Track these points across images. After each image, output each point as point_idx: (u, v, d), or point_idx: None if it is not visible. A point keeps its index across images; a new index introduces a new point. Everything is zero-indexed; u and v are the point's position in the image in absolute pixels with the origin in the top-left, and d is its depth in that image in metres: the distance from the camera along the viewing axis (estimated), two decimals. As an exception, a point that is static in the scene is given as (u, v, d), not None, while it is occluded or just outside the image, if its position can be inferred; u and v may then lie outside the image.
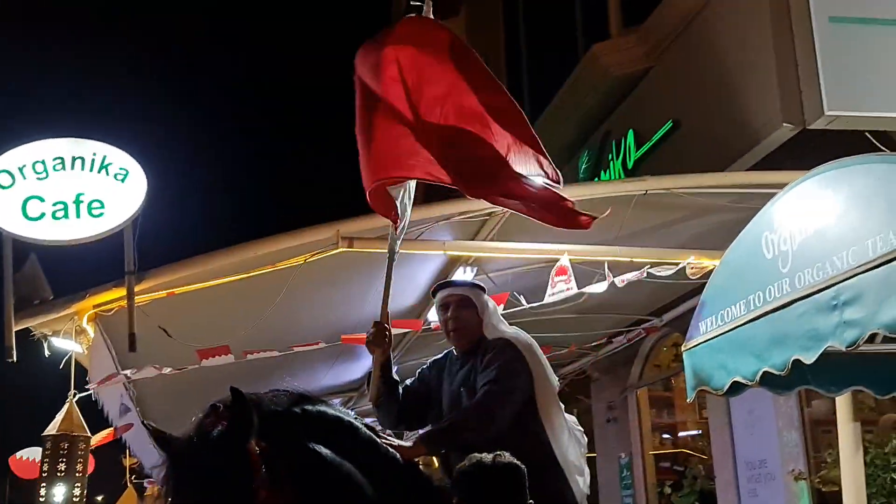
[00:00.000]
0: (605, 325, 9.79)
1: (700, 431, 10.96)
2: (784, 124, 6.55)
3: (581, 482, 3.82)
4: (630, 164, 9.27)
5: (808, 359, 4.14)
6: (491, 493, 2.94)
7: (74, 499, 5.70)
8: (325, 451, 2.91)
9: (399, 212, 4.21)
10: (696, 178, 6.34)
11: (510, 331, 4.06)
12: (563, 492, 3.66)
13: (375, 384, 3.97)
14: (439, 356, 4.19)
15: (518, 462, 3.03)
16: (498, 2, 15.09)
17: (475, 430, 3.57)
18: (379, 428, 3.51)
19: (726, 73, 7.52)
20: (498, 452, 3.03)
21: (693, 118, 8.24)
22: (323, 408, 3.11)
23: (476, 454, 3.03)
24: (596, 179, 10.01)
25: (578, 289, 6.33)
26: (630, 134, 9.33)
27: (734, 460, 9.10)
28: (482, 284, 4.38)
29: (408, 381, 4.18)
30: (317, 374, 9.26)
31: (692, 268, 6.67)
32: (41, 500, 5.60)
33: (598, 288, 6.62)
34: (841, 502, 5.45)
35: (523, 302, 6.54)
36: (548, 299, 6.45)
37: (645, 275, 6.68)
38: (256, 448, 2.70)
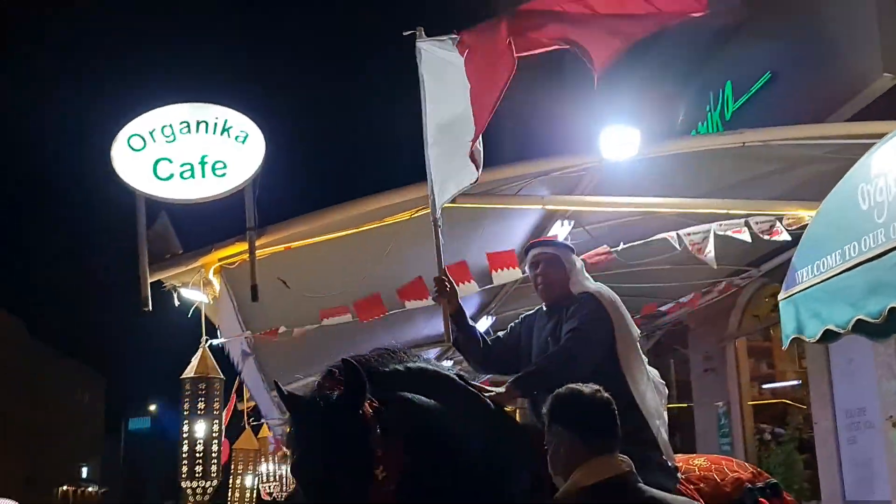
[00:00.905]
0: (702, 275, 9.84)
1: (799, 381, 10.97)
2: (884, 74, 6.50)
3: (660, 425, 4.01)
4: (728, 116, 9.26)
5: (905, 306, 4.25)
6: (584, 421, 2.87)
7: (214, 434, 6.19)
8: (428, 402, 3.22)
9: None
10: (793, 129, 6.35)
11: (594, 286, 4.27)
12: (641, 430, 3.84)
13: (448, 329, 4.32)
14: (531, 312, 4.44)
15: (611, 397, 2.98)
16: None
17: (560, 373, 3.81)
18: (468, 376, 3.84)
19: (825, 24, 7.45)
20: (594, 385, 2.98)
21: (791, 69, 8.19)
22: (422, 364, 3.43)
23: (573, 384, 3.00)
24: (693, 132, 10.01)
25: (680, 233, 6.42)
26: (728, 85, 9.30)
27: (833, 408, 9.14)
28: (570, 245, 4.58)
29: (500, 333, 4.46)
30: (416, 326, 9.59)
31: (789, 220, 6.71)
32: (184, 435, 6.10)
33: (703, 249, 6.67)
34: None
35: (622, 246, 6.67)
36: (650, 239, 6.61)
37: (746, 230, 6.69)
38: (370, 409, 3.01)
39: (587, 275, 4.45)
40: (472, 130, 4.52)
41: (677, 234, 6.53)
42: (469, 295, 6.79)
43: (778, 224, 6.76)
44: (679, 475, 3.83)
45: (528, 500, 3.25)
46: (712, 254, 6.67)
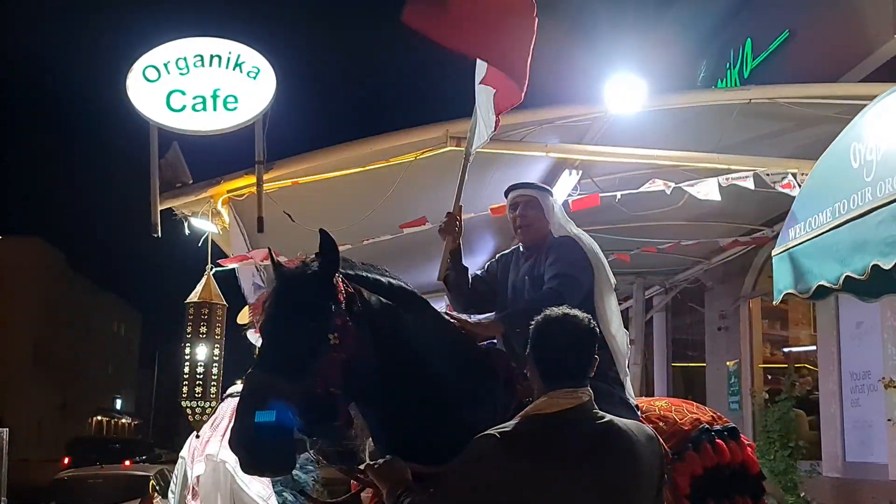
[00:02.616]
0: (715, 234, 9.89)
1: (811, 345, 11.03)
2: (895, 36, 6.49)
3: (626, 367, 4.14)
4: (747, 74, 9.26)
5: (886, 264, 4.30)
6: (558, 344, 2.86)
7: (214, 357, 6.44)
8: (394, 305, 3.43)
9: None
10: (800, 88, 6.37)
11: (575, 230, 4.38)
12: (609, 367, 3.96)
13: (444, 265, 4.41)
14: (507, 251, 4.58)
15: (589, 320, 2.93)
16: None
17: None
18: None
19: (843, -17, 7.43)
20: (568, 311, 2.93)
21: (809, 28, 8.17)
22: (402, 283, 3.62)
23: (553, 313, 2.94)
24: (713, 88, 10.00)
25: (677, 185, 6.49)
26: (748, 43, 9.28)
27: (839, 370, 9.23)
28: (548, 188, 4.67)
29: (477, 272, 4.59)
30: (429, 272, 9.73)
31: (802, 176, 6.70)
32: (186, 358, 6.36)
33: (698, 190, 6.72)
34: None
35: (619, 195, 6.77)
36: (643, 189, 6.67)
37: (750, 180, 6.74)
38: (342, 286, 3.24)
39: (569, 219, 4.56)
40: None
41: (675, 184, 6.57)
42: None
43: (791, 178, 6.77)
44: (639, 413, 3.97)
45: (482, 422, 3.41)
46: (717, 196, 6.71)
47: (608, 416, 2.86)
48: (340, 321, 3.19)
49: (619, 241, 8.81)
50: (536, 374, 2.88)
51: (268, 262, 6.80)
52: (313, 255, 3.30)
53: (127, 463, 17.94)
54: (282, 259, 3.46)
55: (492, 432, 2.79)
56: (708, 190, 6.69)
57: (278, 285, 3.31)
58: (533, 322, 2.95)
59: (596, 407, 2.88)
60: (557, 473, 2.70)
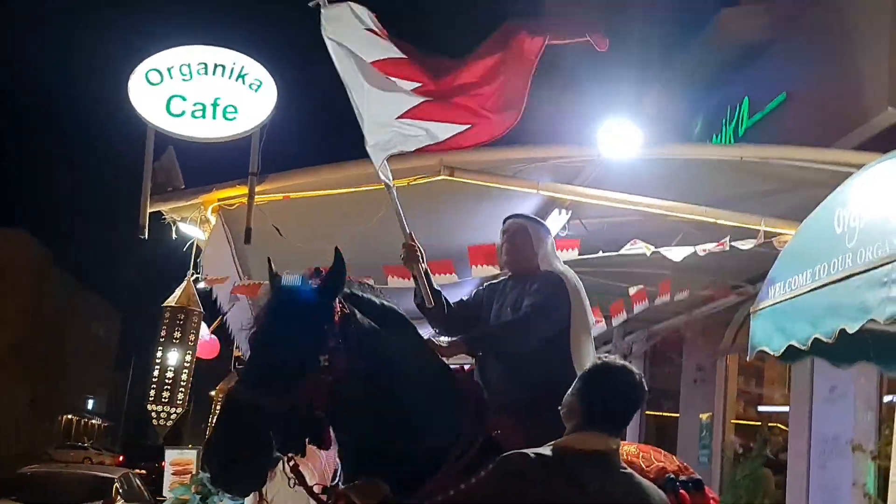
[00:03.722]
0: (699, 286, 9.96)
1: (784, 405, 11.08)
2: (889, 108, 6.61)
3: None
4: (741, 132, 9.39)
5: (852, 328, 4.40)
6: (611, 390, 3.12)
7: (185, 363, 6.44)
8: (383, 329, 3.48)
9: None
10: (792, 150, 6.47)
11: (562, 268, 4.45)
12: None
13: (425, 290, 4.43)
14: (495, 280, 4.64)
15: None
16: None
17: (511, 341, 4.07)
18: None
19: (843, 53, 7.60)
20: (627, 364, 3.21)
21: (805, 92, 8.32)
22: (393, 306, 3.67)
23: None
24: (707, 142, 10.13)
25: (657, 248, 6.61)
26: (745, 101, 9.43)
27: (809, 432, 9.28)
28: (542, 221, 4.77)
29: (464, 297, 4.64)
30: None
31: (779, 242, 6.81)
32: (157, 361, 6.36)
33: (676, 255, 6.84)
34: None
35: (601, 254, 6.86)
36: (622, 251, 6.77)
37: (728, 247, 6.86)
38: (339, 306, 3.27)
39: (558, 255, 4.62)
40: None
41: (654, 248, 6.67)
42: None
43: (773, 240, 6.88)
44: None
45: (447, 451, 3.44)
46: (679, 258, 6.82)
47: (630, 470, 3.09)
48: (333, 343, 3.21)
49: (603, 286, 8.86)
50: (578, 411, 3.07)
51: (254, 298, 6.87)
52: (313, 271, 3.32)
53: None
54: (279, 272, 3.45)
55: (527, 452, 3.00)
56: (683, 255, 6.82)
57: (277, 298, 3.31)
58: (594, 365, 3.21)
59: (621, 461, 3.08)
60: None
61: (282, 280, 3.37)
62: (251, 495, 5.72)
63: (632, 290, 8.74)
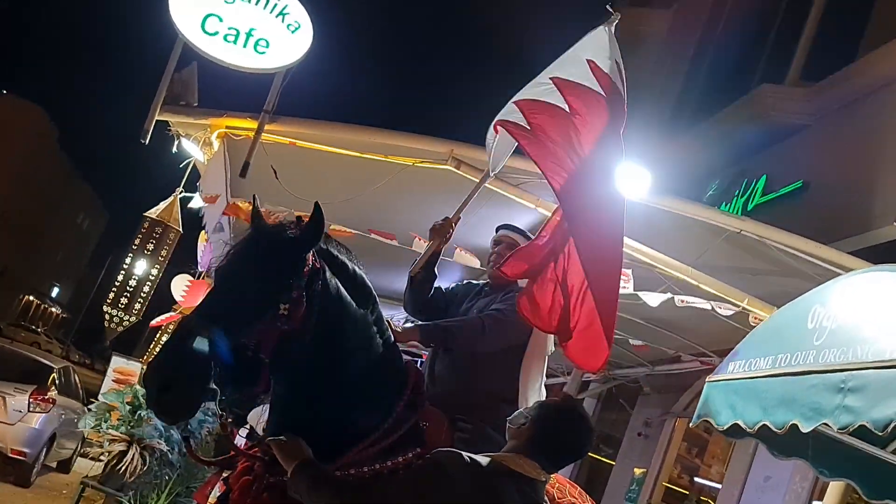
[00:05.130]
0: (668, 344, 9.97)
1: (718, 482, 11.11)
2: (894, 223, 6.64)
3: None
4: (750, 206, 9.42)
5: (805, 427, 4.38)
6: (565, 431, 3.23)
7: (150, 276, 6.43)
8: (348, 294, 3.46)
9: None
10: (792, 237, 6.47)
11: None
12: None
13: (422, 262, 4.46)
14: (476, 281, 4.66)
15: None
16: (706, 8, 15.12)
17: (464, 340, 4.10)
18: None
19: (866, 158, 7.62)
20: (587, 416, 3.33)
21: (823, 186, 8.35)
22: (363, 275, 3.65)
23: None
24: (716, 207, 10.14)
25: (634, 291, 6.62)
26: (762, 179, 9.45)
27: (735, 514, 9.31)
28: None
29: (442, 286, 4.65)
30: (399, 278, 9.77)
31: (755, 319, 6.84)
32: (124, 266, 6.35)
33: (653, 300, 6.86)
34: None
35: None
36: None
37: (710, 307, 6.89)
38: (311, 259, 3.27)
39: None
40: None
41: (631, 289, 6.68)
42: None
43: (749, 317, 6.91)
44: None
45: (374, 428, 3.46)
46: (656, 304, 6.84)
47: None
48: (297, 294, 3.20)
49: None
50: (526, 435, 3.16)
51: (231, 216, 6.88)
52: (295, 220, 3.32)
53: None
54: (264, 211, 3.43)
55: (462, 454, 3.05)
56: (659, 301, 6.84)
57: (252, 237, 3.32)
58: (561, 401, 3.31)
59: (545, 492, 3.19)
60: None
61: (262, 220, 3.36)
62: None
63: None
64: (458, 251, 6.79)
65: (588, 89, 4.39)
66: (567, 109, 4.34)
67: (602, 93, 4.39)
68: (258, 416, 3.74)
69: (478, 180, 6.37)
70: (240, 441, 3.91)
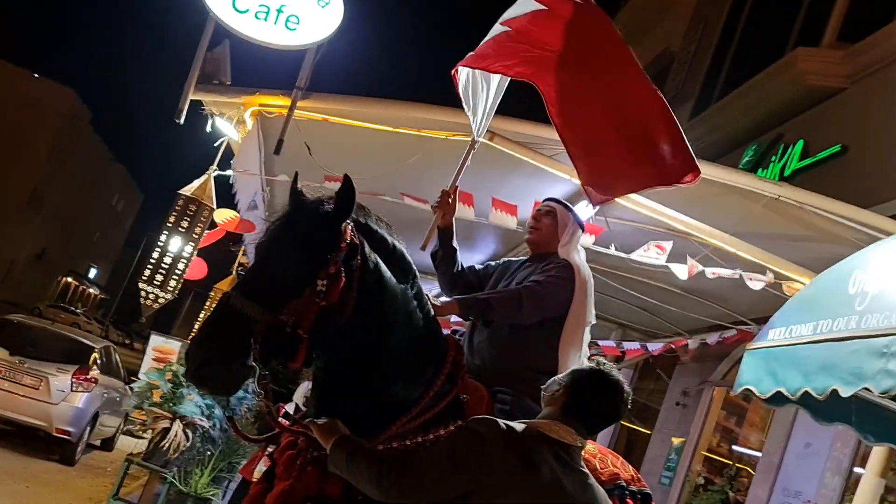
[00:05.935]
0: (707, 312, 9.92)
1: (758, 450, 11.06)
2: (937, 187, 6.52)
3: None
4: (788, 172, 9.28)
5: (845, 392, 4.36)
6: (599, 397, 3.19)
7: (185, 253, 6.48)
8: (388, 269, 3.45)
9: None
10: (831, 202, 6.37)
11: (579, 259, 4.43)
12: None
13: (428, 237, 4.51)
14: (514, 259, 4.65)
15: None
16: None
17: (502, 312, 4.08)
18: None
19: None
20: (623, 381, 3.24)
21: (862, 149, 8.22)
22: (403, 249, 3.65)
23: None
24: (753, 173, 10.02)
25: (666, 263, 6.58)
26: (800, 144, 9.31)
27: (774, 482, 9.28)
28: (574, 211, 4.71)
29: (476, 265, 4.66)
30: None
31: (788, 288, 6.79)
32: (160, 244, 6.41)
33: (681, 272, 6.81)
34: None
35: (612, 250, 6.86)
36: (633, 256, 6.75)
37: (738, 275, 6.84)
38: (349, 234, 3.27)
39: (580, 248, 4.60)
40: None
41: (665, 262, 6.65)
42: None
43: (783, 284, 6.86)
44: None
45: (415, 402, 3.48)
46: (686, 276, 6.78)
47: (586, 470, 3.13)
48: (334, 269, 3.20)
49: (607, 286, 8.86)
50: (561, 402, 3.15)
51: (276, 179, 6.89)
52: (330, 195, 3.32)
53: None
54: (302, 188, 3.43)
55: (496, 420, 3.05)
56: (686, 276, 6.81)
57: (289, 212, 3.33)
58: (594, 367, 3.23)
59: (581, 459, 3.14)
60: (528, 488, 2.91)
61: (300, 196, 3.37)
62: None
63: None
64: (494, 211, 6.75)
65: None
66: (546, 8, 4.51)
67: None
68: (304, 392, 3.78)
69: (511, 151, 6.39)
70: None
